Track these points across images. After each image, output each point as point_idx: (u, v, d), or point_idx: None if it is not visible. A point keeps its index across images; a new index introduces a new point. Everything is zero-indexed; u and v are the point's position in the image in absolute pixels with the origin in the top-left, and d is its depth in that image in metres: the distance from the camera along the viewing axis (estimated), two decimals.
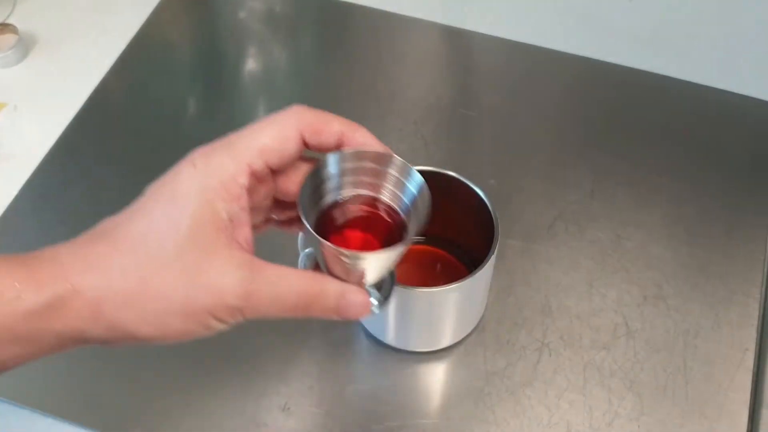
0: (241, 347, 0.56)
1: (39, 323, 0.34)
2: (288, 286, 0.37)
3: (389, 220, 0.41)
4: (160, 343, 0.36)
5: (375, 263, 0.38)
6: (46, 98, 0.71)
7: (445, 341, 0.55)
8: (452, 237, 0.59)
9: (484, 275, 0.51)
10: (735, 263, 0.61)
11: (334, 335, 0.57)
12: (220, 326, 0.36)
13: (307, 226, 0.37)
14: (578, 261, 0.61)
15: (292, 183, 0.40)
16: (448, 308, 0.52)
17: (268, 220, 0.42)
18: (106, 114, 0.70)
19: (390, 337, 0.55)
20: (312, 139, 0.39)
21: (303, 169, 0.40)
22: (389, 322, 0.54)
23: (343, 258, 0.37)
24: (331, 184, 0.40)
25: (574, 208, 0.64)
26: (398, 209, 0.41)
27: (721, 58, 0.74)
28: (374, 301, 0.40)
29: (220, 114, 0.71)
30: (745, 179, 0.66)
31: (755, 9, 0.77)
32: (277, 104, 0.72)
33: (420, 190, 0.39)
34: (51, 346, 0.36)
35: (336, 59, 0.75)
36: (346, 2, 0.78)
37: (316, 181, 0.40)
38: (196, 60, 0.76)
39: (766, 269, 0.60)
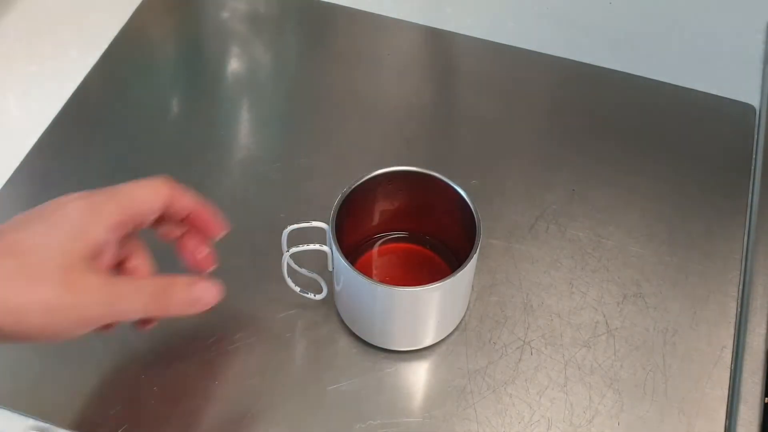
0: (222, 347, 0.56)
1: None
2: (142, 289, 0.45)
3: None
4: (26, 342, 0.41)
5: None
6: (27, 98, 0.71)
7: (428, 340, 0.56)
8: (435, 235, 0.59)
9: (466, 274, 0.52)
10: (713, 262, 0.61)
11: (317, 334, 0.57)
12: (83, 332, 0.43)
13: None
14: (559, 260, 0.61)
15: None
16: (431, 307, 0.53)
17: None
18: (88, 114, 0.70)
19: (372, 336, 0.56)
20: (169, 209, 0.47)
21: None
22: (372, 321, 0.54)
23: None
24: None
25: (555, 208, 0.64)
26: None
27: (699, 60, 0.75)
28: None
29: (202, 114, 0.71)
30: (722, 179, 0.66)
31: (730, 11, 0.78)
32: (259, 105, 0.73)
33: None
34: None
35: (318, 60, 0.75)
36: (328, 3, 0.78)
37: None
38: (178, 60, 0.76)
39: (743, 268, 0.61)
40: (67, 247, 0.42)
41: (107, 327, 0.45)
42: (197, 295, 0.46)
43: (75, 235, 0.42)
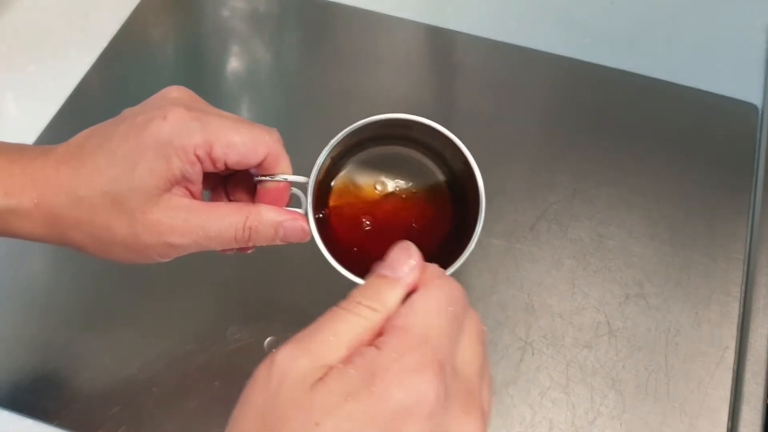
0: (221, 347, 0.56)
1: None
2: (227, 223, 0.41)
3: None
4: (107, 260, 0.42)
5: None
6: (26, 97, 0.71)
7: None
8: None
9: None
10: (715, 262, 0.61)
11: None
12: (162, 259, 0.42)
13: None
14: (560, 260, 0.61)
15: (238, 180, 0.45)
16: None
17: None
18: (86, 113, 0.70)
19: None
20: (261, 167, 0.43)
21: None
22: None
23: None
24: None
25: (556, 208, 0.64)
26: None
27: (701, 59, 0.74)
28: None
29: None
30: (725, 179, 0.66)
31: (733, 10, 0.78)
32: (259, 104, 0.72)
33: None
34: (5, 234, 0.42)
35: (319, 58, 0.75)
36: (328, 1, 0.78)
37: None
38: (178, 59, 0.76)
39: (745, 268, 0.61)
40: (150, 182, 0.40)
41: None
42: (284, 229, 0.43)
43: (155, 168, 0.40)
